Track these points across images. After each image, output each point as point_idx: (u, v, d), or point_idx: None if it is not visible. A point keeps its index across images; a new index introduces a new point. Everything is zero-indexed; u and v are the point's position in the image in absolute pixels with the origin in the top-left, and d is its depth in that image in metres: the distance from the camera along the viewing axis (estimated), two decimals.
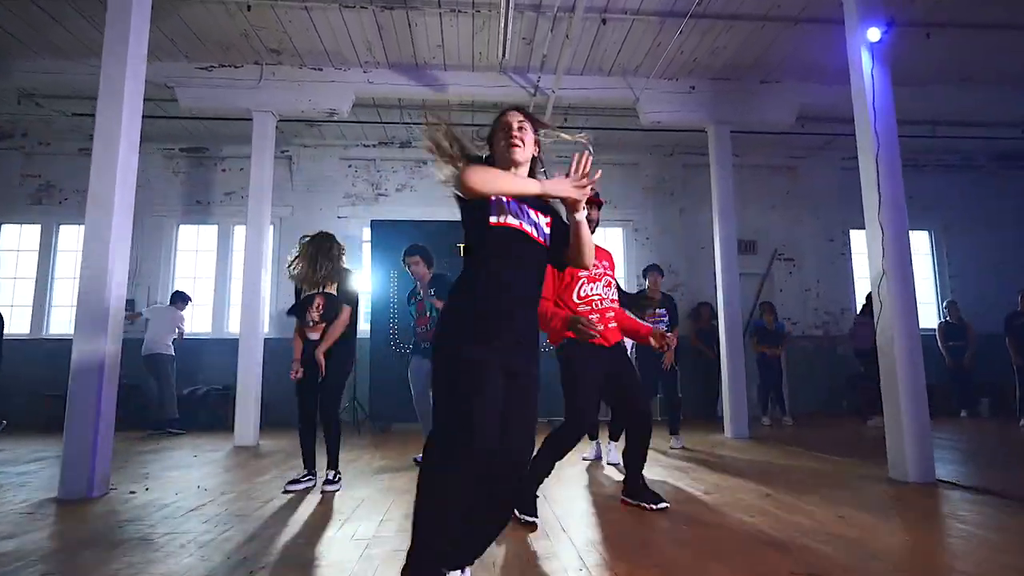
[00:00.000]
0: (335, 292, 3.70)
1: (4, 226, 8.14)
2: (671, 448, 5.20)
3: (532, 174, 1.90)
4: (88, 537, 2.53)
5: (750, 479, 3.74)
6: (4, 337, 6.49)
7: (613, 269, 3.16)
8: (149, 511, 3.01)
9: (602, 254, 3.11)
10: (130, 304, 7.96)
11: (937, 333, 7.88)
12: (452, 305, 1.78)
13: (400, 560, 1.60)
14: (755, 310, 8.17)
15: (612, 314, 3.03)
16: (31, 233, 8.13)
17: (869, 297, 7.28)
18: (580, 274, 2.94)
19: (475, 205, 1.75)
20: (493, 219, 1.74)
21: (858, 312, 7.55)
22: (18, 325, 7.81)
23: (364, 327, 7.83)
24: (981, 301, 8.49)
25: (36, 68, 6.03)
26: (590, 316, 2.90)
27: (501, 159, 1.85)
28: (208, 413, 7.52)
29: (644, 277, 5.77)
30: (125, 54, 3.70)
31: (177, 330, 7.10)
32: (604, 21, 5.40)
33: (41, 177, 8.16)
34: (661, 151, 8.60)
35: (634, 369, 3.09)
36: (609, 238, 8.67)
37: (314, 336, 3.69)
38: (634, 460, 3.10)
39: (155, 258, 8.10)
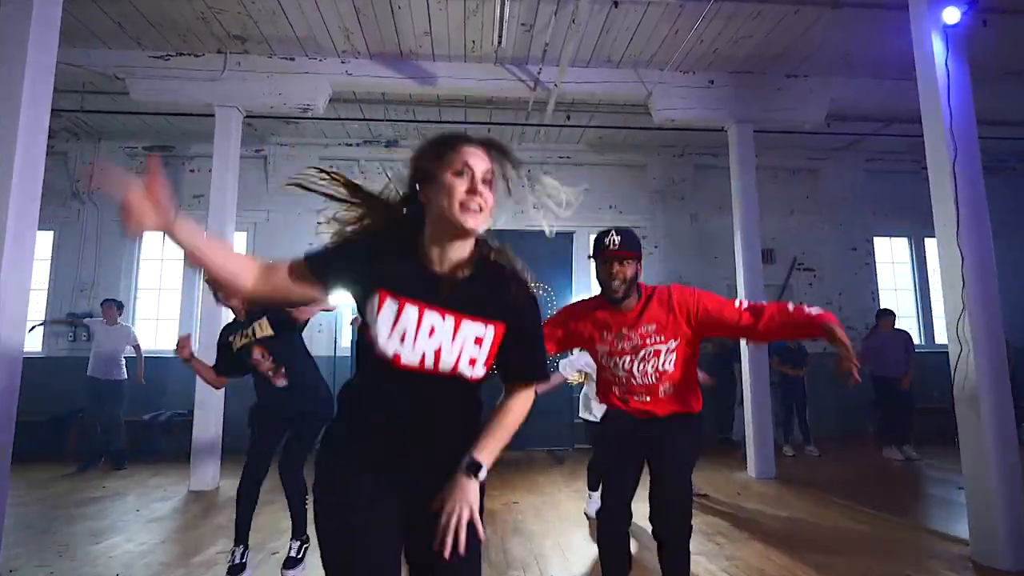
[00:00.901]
0: (270, 329, 2.94)
1: None
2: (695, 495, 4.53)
3: (479, 254, 1.27)
4: None
5: (804, 560, 3.05)
6: None
7: (684, 319, 2.16)
8: None
9: (652, 311, 2.18)
10: (112, 302, 7.09)
11: None
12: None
13: None
14: None
15: (652, 386, 2.21)
16: None
17: (879, 315, 6.65)
18: (597, 347, 2.25)
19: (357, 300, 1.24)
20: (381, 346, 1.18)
21: (870, 330, 6.88)
22: None
23: (346, 344, 7.17)
24: (1015, 313, 7.84)
25: None
26: (613, 388, 2.28)
27: (439, 221, 1.19)
28: (171, 441, 6.81)
29: None
30: (26, 31, 2.97)
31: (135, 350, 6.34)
32: (616, 3, 4.68)
33: None
34: (671, 151, 7.89)
35: (676, 448, 2.19)
36: None
37: (283, 383, 2.96)
38: None
39: (115, 267, 7.35)
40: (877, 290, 8.11)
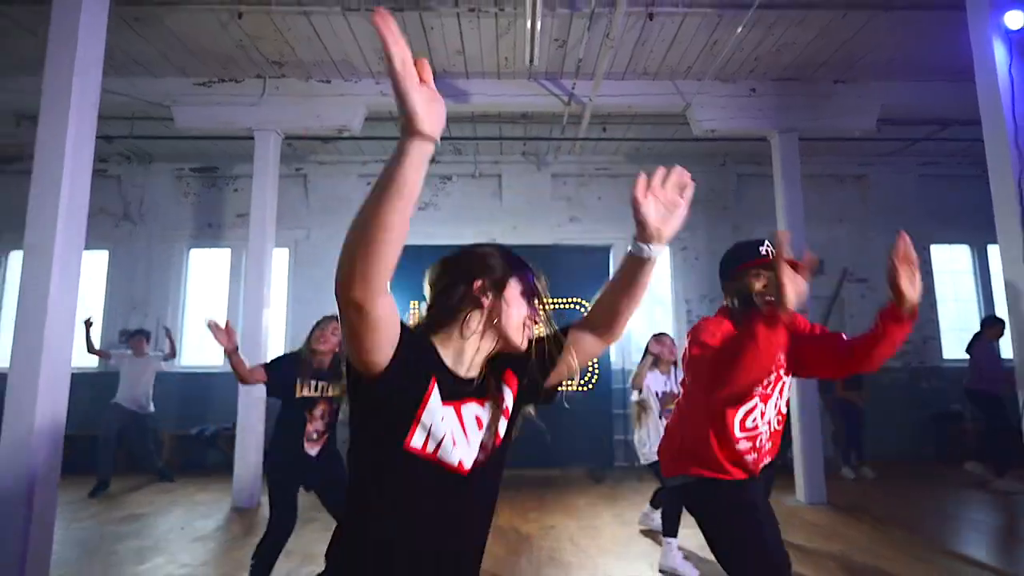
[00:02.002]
0: (339, 395, 2.78)
1: (13, 253, 7.78)
2: None
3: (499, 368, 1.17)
4: None
5: None
6: None
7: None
8: None
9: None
10: (140, 334, 7.28)
11: None
12: None
13: None
14: None
15: (775, 434, 1.90)
16: None
17: (986, 322, 6.10)
18: (755, 390, 1.80)
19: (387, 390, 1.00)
20: (416, 441, 1.02)
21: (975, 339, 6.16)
22: None
23: None
24: None
25: (23, 87, 5.52)
26: (747, 457, 1.82)
27: (492, 331, 1.14)
28: (218, 454, 6.99)
29: None
30: (71, 62, 3.10)
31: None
32: (651, 16, 4.57)
33: None
34: (712, 161, 7.68)
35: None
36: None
37: (313, 451, 2.82)
38: None
39: (164, 284, 7.61)
40: (936, 301, 7.68)
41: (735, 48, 5.03)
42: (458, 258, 1.17)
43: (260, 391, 5.31)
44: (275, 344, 6.47)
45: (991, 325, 5.96)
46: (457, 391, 1.07)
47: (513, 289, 1.14)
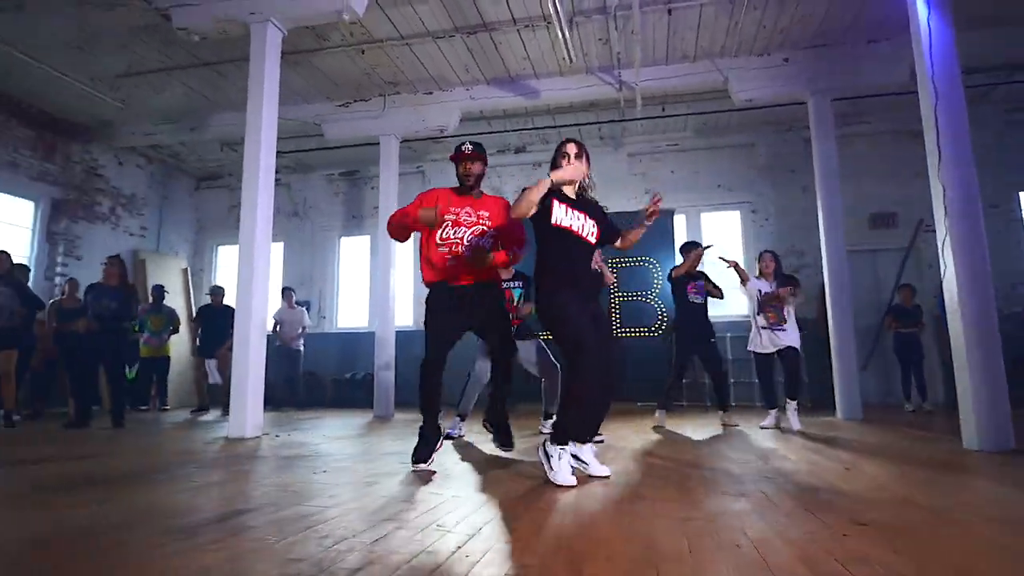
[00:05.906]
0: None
1: (221, 247, 10.42)
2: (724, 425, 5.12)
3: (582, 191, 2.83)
4: (256, 454, 3.56)
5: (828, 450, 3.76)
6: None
7: (500, 220, 3.16)
8: (301, 444, 4.03)
9: (488, 204, 3.21)
10: (305, 304, 9.51)
11: None
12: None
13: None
14: (896, 290, 7.50)
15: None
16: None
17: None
18: (446, 217, 3.13)
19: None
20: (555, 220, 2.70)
21: None
22: None
23: None
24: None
25: (223, 121, 7.77)
26: (446, 257, 3.11)
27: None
28: (365, 393, 8.90)
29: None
30: (260, 108, 4.85)
31: (302, 328, 8.37)
32: (669, 12, 5.57)
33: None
34: (778, 127, 8.25)
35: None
36: (726, 221, 8.53)
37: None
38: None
39: (323, 265, 9.78)
40: None
41: (758, 25, 5.82)
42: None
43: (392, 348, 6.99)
44: (403, 296, 8.20)
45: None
46: (571, 204, 2.68)
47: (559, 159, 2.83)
